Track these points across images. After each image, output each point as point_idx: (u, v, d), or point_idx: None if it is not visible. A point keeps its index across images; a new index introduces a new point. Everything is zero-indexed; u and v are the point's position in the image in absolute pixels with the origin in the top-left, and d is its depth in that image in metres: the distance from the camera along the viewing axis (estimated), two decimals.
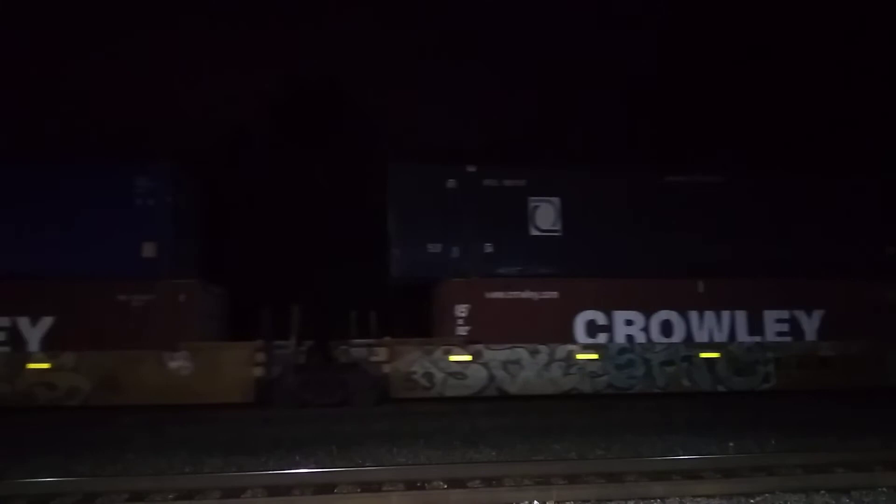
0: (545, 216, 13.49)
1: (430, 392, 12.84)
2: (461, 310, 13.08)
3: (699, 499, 5.78)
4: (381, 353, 12.80)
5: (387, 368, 12.76)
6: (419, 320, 14.40)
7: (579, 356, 13.25)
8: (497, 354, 13.05)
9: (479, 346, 13.02)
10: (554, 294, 13.34)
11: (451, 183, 13.44)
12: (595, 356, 13.28)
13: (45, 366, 12.03)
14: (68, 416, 11.35)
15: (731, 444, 8.30)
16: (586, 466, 6.67)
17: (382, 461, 7.61)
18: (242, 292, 14.23)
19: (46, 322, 12.11)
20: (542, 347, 13.14)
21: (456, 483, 6.12)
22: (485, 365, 13.00)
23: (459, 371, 12.96)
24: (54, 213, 12.35)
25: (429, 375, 12.88)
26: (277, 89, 21.97)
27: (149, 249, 12.30)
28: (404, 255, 13.28)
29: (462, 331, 13.06)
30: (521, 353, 13.10)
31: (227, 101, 20.90)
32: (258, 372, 12.44)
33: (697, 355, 13.56)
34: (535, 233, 13.47)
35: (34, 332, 12.09)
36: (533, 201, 13.54)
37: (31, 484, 6.13)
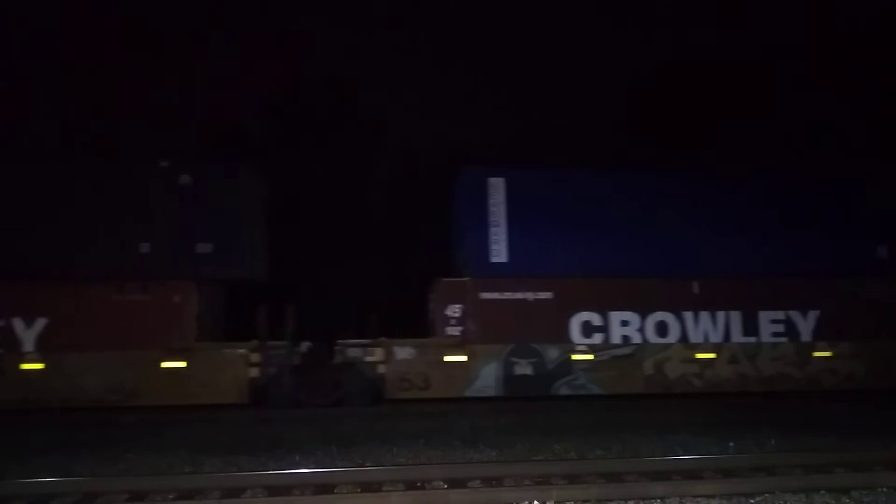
0: None
1: None
2: None
3: (699, 499, 5.79)
4: None
5: None
6: None
7: None
8: None
9: None
10: None
11: None
12: None
13: (828, 354, 13.45)
14: (68, 416, 11.36)
15: (731, 444, 8.30)
16: (586, 466, 6.67)
17: (382, 461, 7.61)
18: None
19: (813, 315, 13.53)
20: None
21: (456, 483, 6.13)
22: None
23: None
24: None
25: None
26: None
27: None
28: None
29: None
30: None
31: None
32: None
33: None
34: None
35: (805, 325, 13.52)
36: None
37: (31, 484, 6.14)
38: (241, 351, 12.33)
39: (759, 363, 13.33)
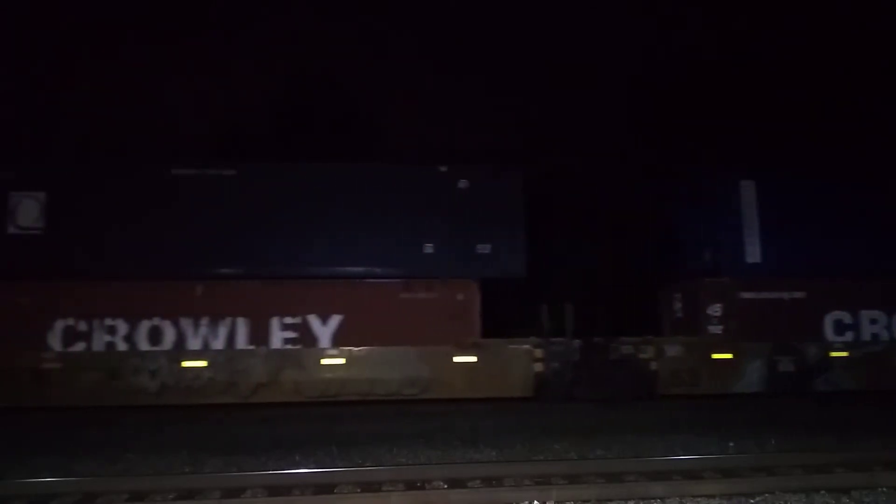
0: None
1: None
2: None
3: (699, 499, 5.78)
4: None
5: None
6: None
7: None
8: None
9: None
10: None
11: None
12: None
13: None
14: (68, 416, 11.36)
15: (731, 444, 8.30)
16: (586, 466, 6.67)
17: (382, 461, 7.61)
18: None
19: None
20: None
21: (456, 483, 6.12)
22: None
23: None
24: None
25: None
26: None
27: None
28: None
29: None
30: None
31: None
32: None
33: None
34: None
35: None
36: None
37: (31, 484, 6.13)
38: (526, 347, 12.85)
39: None
